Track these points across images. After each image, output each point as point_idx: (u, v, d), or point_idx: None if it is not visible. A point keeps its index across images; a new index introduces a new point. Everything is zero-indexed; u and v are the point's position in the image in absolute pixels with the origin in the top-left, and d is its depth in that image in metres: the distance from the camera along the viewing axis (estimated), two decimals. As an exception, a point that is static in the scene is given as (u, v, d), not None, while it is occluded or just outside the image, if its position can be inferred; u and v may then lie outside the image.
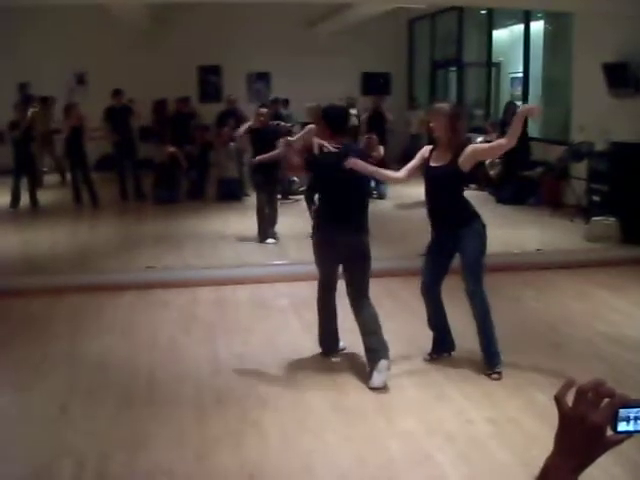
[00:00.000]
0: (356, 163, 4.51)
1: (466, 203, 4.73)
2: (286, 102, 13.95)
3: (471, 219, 4.67)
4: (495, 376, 4.62)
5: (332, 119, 4.77)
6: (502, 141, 4.59)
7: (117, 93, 11.87)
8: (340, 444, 3.77)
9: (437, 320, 4.93)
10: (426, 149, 4.79)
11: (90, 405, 4.30)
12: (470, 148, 4.59)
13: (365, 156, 4.93)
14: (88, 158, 11.63)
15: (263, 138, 8.31)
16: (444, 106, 4.66)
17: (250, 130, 8.57)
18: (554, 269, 7.26)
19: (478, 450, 3.68)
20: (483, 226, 4.69)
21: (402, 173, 4.85)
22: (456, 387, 4.47)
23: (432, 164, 4.65)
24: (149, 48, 15.40)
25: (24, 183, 11.24)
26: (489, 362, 4.69)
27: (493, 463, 3.57)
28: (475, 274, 4.63)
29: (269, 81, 16.63)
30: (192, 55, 15.69)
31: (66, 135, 11.51)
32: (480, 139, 12.48)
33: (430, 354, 4.98)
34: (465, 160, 4.52)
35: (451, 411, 4.14)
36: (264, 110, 8.71)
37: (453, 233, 4.66)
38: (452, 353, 5.01)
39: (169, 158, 11.76)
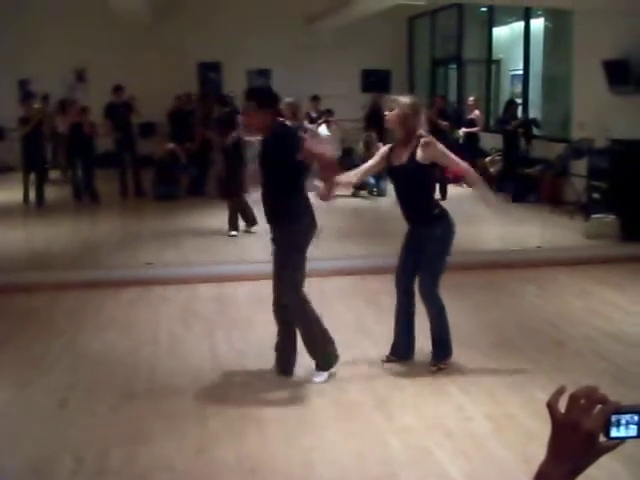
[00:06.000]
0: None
1: (431, 201, 4.66)
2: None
3: (436, 219, 4.56)
4: (434, 369, 4.64)
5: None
6: (468, 169, 4.59)
7: (118, 89, 11.86)
8: (340, 440, 3.78)
9: (402, 319, 4.78)
10: (385, 149, 4.73)
11: (90, 400, 4.31)
12: (433, 148, 4.42)
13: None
14: (93, 154, 11.61)
15: None
16: (403, 99, 4.48)
17: None
18: (554, 266, 7.27)
19: (477, 446, 3.69)
20: (450, 226, 4.56)
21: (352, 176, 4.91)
22: (455, 384, 4.48)
23: (395, 164, 4.57)
24: (149, 45, 15.37)
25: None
26: (436, 356, 4.68)
27: (492, 459, 3.58)
28: (430, 275, 4.57)
29: (269, 78, 16.60)
30: (192, 52, 15.67)
31: (66, 131, 11.50)
32: (461, 132, 12.45)
33: (387, 356, 4.80)
34: (424, 157, 4.41)
35: (450, 407, 4.15)
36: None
37: (419, 231, 4.61)
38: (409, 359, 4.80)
39: (169, 155, 11.75)
